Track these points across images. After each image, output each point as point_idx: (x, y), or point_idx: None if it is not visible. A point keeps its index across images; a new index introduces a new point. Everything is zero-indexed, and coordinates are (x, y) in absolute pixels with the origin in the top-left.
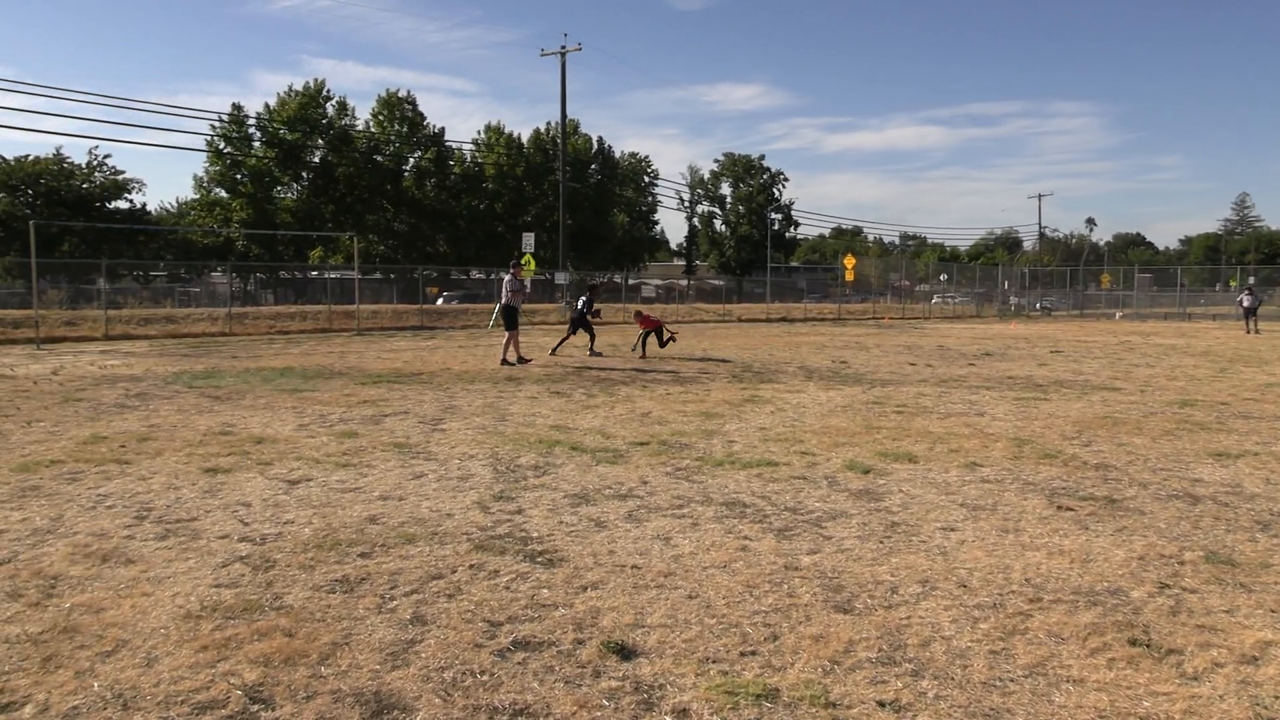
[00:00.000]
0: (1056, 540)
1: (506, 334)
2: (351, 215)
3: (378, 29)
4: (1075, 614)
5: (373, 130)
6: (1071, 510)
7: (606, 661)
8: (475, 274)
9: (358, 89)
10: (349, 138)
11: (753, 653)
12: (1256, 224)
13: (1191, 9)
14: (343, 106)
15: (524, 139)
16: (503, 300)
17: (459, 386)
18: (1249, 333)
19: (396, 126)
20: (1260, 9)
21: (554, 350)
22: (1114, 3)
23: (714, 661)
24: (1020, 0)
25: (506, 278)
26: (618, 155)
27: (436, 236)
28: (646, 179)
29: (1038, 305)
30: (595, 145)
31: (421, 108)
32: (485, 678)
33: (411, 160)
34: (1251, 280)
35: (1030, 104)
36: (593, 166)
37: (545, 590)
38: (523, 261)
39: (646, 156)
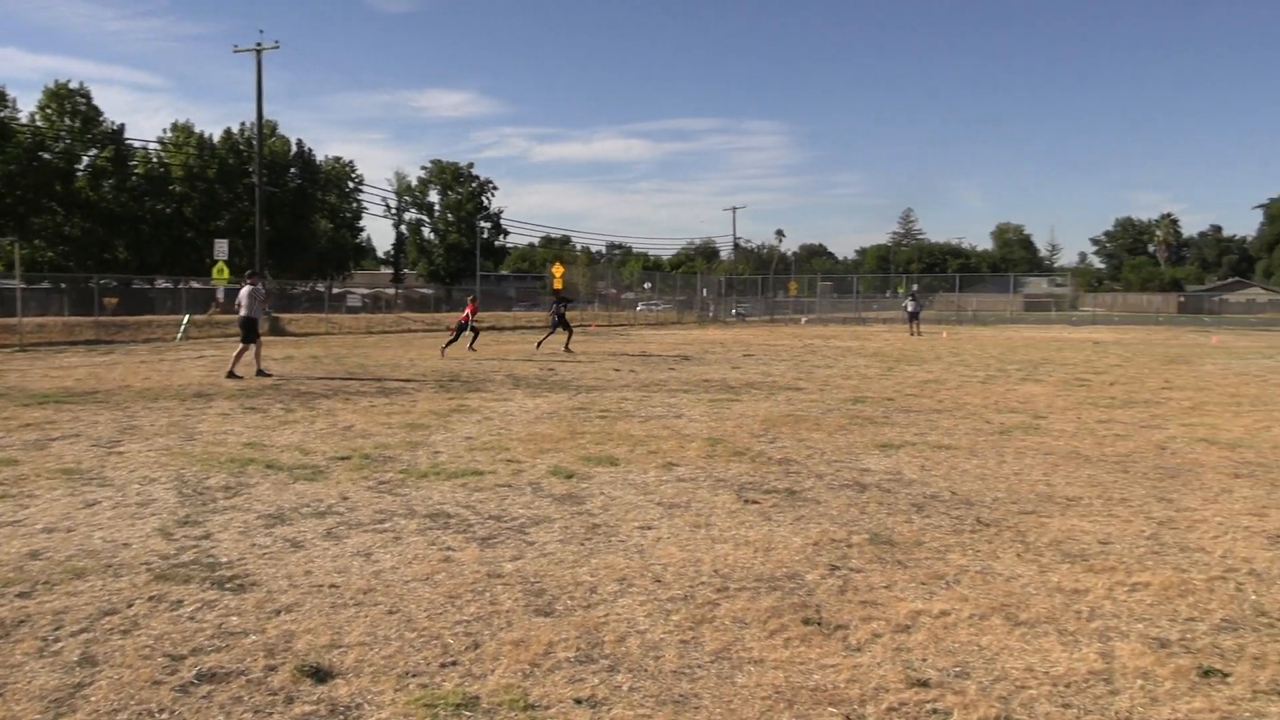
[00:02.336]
0: (743, 532)
1: (241, 346)
2: (13, 218)
3: (47, 11)
4: (757, 599)
5: (39, 124)
6: (756, 503)
7: (300, 686)
8: (161, 283)
9: (22, 78)
10: (8, 132)
11: (454, 663)
12: (919, 236)
13: (865, 42)
14: (1, 97)
15: (216, 139)
16: (241, 312)
17: (140, 405)
18: (913, 335)
19: (68, 121)
20: (924, 49)
21: (539, 344)
22: (799, 29)
23: (414, 675)
24: (717, 20)
25: (245, 289)
26: (320, 159)
27: (116, 242)
28: (351, 184)
29: (733, 312)
30: (294, 148)
31: (98, 101)
32: (165, 716)
33: (86, 159)
34: (915, 288)
35: (727, 121)
36: (292, 170)
37: (234, 617)
38: (214, 270)
39: (351, 161)
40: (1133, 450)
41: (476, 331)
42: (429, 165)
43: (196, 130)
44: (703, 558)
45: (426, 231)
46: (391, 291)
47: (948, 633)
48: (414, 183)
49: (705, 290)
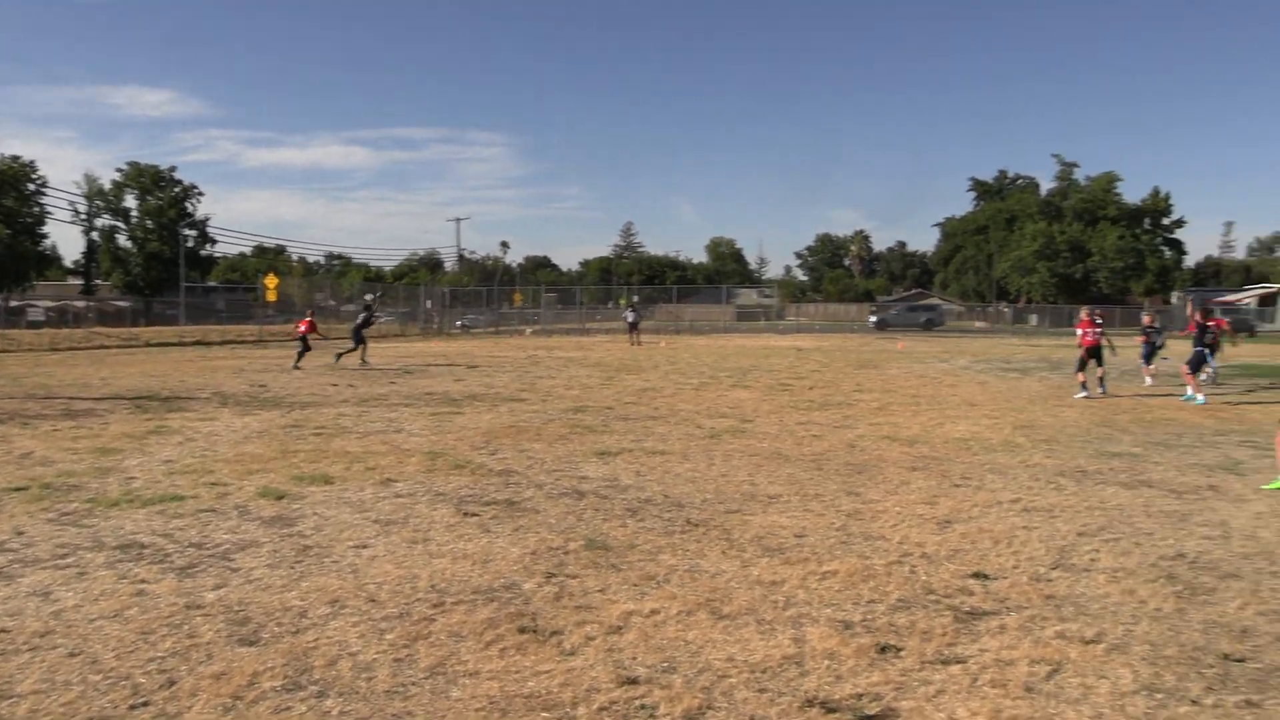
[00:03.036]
0: (462, 545)
1: None
2: None
3: None
4: (474, 612)
5: None
6: (476, 515)
7: None
8: None
9: None
10: None
11: (145, 704)
12: (640, 249)
13: (580, 57)
14: None
15: None
16: None
17: None
18: (633, 345)
19: None
20: (636, 66)
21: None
22: (521, 40)
23: None
24: (438, 26)
25: None
26: None
27: None
28: (32, 186)
29: (458, 323)
30: None
31: None
32: None
33: None
34: (635, 299)
35: (450, 131)
36: None
37: None
38: None
39: (32, 161)
40: (827, 449)
41: (308, 347)
42: (125, 168)
43: None
44: (420, 573)
45: (122, 239)
46: (82, 304)
47: (657, 630)
48: (108, 186)
49: (429, 302)
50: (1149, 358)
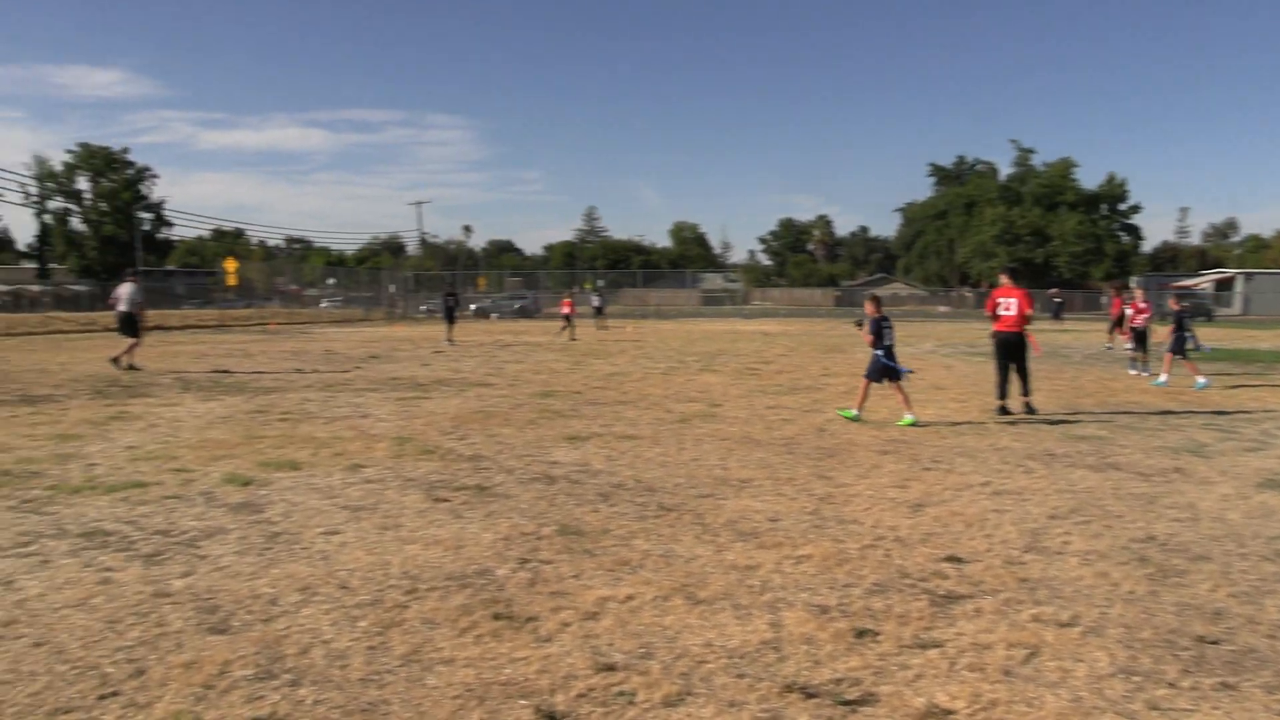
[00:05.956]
0: (433, 531)
1: (129, 340)
2: None
3: None
4: (448, 598)
5: None
6: (447, 501)
7: None
8: None
9: None
10: None
11: (114, 694)
12: (603, 233)
13: (543, 41)
14: None
15: None
16: (120, 308)
17: None
18: (599, 329)
19: None
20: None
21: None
22: (480, 22)
23: (66, 712)
24: (393, 6)
25: (126, 286)
26: None
27: None
28: None
29: (421, 308)
30: None
31: None
32: None
33: None
34: (600, 283)
35: (409, 114)
36: None
37: None
38: None
39: None
40: (797, 433)
41: (570, 320)
42: (76, 149)
43: None
44: (391, 560)
45: (76, 222)
46: (36, 289)
47: (633, 616)
48: (59, 168)
49: (392, 286)
50: (1179, 348)
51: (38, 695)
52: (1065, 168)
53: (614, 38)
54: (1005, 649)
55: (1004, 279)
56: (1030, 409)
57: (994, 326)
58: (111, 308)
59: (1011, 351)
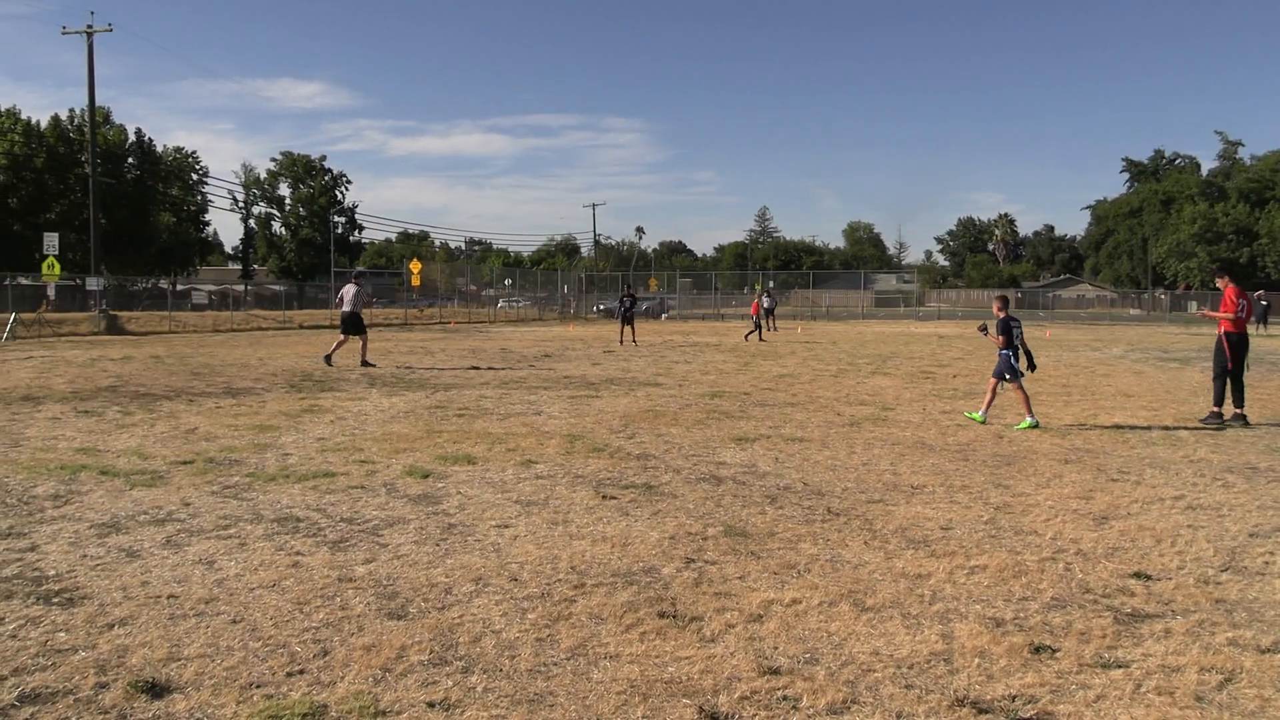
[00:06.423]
0: (601, 528)
1: (354, 340)
2: None
3: None
4: (614, 595)
5: None
6: (615, 499)
7: (135, 703)
8: None
9: None
10: None
11: (300, 671)
12: (775, 234)
13: (720, 42)
14: None
15: (44, 125)
16: (345, 308)
17: None
18: (769, 331)
19: None
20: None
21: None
22: (657, 26)
23: (258, 686)
24: (574, 16)
25: (350, 288)
26: (161, 150)
27: None
28: (195, 176)
29: (594, 308)
30: (132, 137)
31: None
32: None
33: None
34: (770, 284)
35: (586, 118)
36: (130, 160)
37: (62, 633)
38: (45, 265)
39: (194, 152)
40: (973, 439)
41: (759, 322)
42: (279, 157)
43: (23, 116)
44: (560, 555)
45: (277, 226)
46: (240, 288)
47: (798, 620)
48: (263, 176)
49: (566, 287)
50: None
51: (234, 669)
52: (1277, 160)
53: (790, 41)
54: (1197, 673)
55: (1227, 278)
56: (1244, 420)
57: (1227, 327)
58: (338, 308)
59: (1244, 354)
